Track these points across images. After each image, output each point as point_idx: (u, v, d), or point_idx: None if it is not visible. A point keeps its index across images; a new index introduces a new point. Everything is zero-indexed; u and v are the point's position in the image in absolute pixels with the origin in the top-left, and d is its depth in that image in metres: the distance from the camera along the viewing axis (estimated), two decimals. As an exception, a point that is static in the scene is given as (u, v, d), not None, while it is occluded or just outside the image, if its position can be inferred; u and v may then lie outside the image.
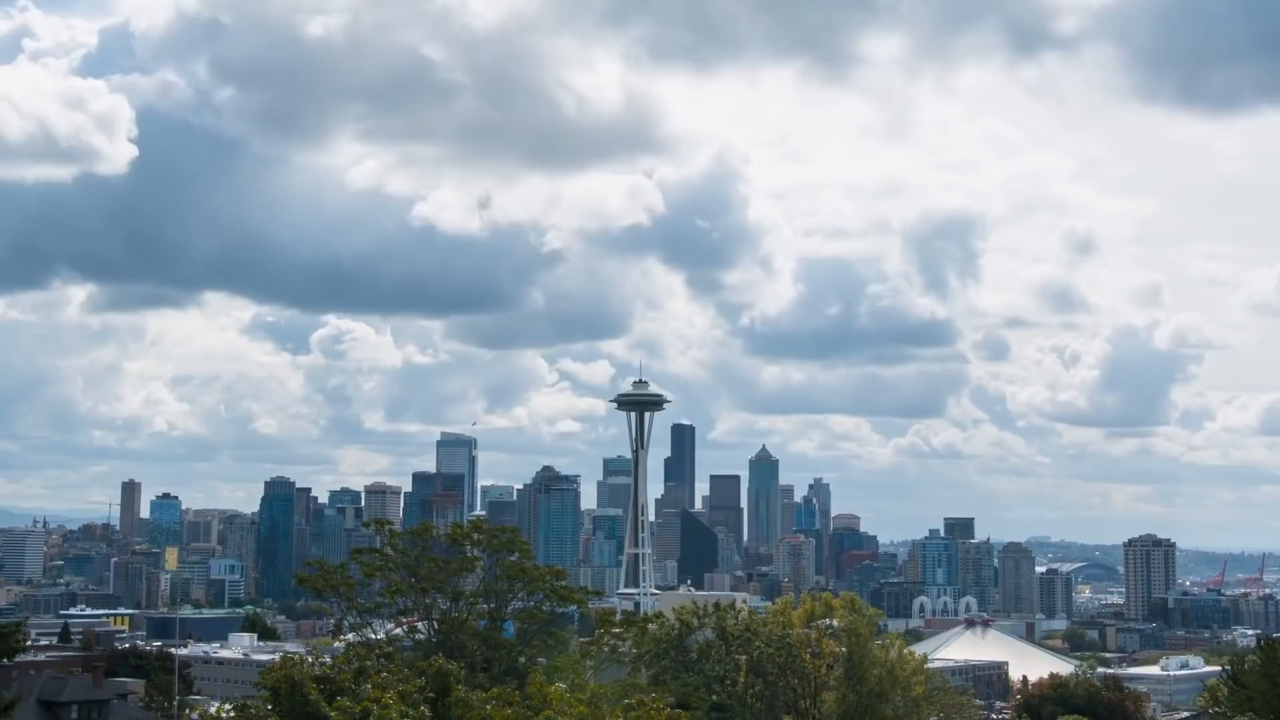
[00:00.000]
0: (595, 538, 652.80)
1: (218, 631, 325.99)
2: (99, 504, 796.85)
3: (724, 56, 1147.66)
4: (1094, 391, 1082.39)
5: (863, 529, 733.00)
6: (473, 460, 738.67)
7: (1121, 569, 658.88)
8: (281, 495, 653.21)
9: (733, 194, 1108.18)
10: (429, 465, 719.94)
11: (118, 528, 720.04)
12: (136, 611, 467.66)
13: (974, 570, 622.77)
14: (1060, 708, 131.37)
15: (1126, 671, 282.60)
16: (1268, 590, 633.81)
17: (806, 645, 74.58)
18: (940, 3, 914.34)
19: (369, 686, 34.12)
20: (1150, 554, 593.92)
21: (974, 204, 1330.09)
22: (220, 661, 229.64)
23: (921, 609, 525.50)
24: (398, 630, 70.29)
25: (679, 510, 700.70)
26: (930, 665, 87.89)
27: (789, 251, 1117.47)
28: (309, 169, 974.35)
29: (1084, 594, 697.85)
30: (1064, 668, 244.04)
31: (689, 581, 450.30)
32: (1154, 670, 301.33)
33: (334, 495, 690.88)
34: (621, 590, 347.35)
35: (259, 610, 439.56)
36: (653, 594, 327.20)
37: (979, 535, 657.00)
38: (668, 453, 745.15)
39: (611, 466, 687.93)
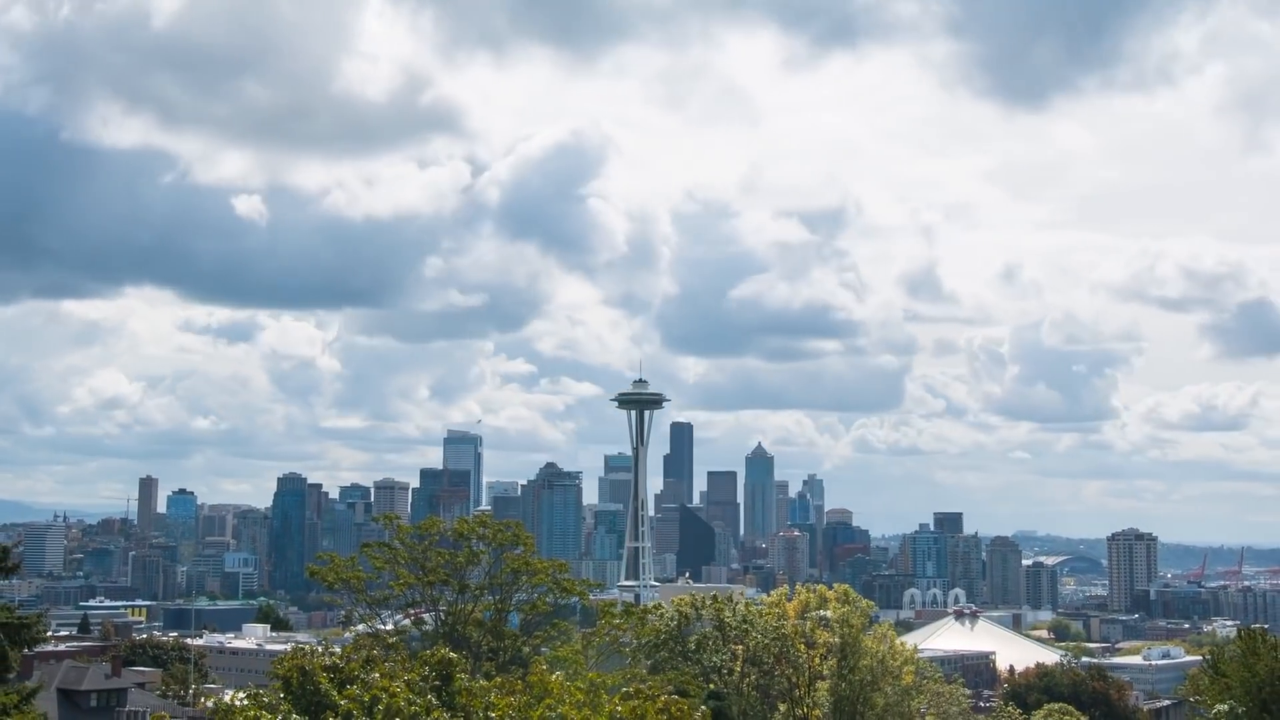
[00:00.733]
0: (596, 532, 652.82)
1: (232, 622, 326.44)
2: (114, 499, 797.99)
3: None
4: (1026, 387, 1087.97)
5: (855, 524, 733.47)
6: (478, 457, 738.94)
7: (1105, 562, 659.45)
8: (293, 491, 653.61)
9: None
10: (432, 461, 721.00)
11: (135, 522, 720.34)
12: (153, 603, 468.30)
13: (962, 563, 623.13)
14: (1046, 696, 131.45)
15: (1110, 661, 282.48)
16: (1246, 583, 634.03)
17: (801, 636, 74.55)
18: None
19: (377, 675, 34.10)
20: (1133, 547, 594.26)
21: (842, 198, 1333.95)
22: (234, 651, 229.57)
23: (912, 600, 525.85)
24: (406, 621, 70.28)
25: (678, 505, 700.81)
26: (920, 655, 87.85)
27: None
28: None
29: (1069, 586, 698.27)
30: (1049, 657, 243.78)
31: (687, 574, 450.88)
32: (1136, 660, 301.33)
33: (344, 491, 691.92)
34: (622, 583, 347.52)
35: (272, 602, 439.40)
36: (652, 586, 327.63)
37: (967, 529, 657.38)
38: (667, 450, 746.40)
39: (612, 463, 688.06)
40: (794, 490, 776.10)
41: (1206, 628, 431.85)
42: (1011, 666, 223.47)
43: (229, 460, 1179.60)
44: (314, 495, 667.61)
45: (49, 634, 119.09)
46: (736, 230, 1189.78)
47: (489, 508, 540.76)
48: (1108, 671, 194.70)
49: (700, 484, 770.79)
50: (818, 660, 74.01)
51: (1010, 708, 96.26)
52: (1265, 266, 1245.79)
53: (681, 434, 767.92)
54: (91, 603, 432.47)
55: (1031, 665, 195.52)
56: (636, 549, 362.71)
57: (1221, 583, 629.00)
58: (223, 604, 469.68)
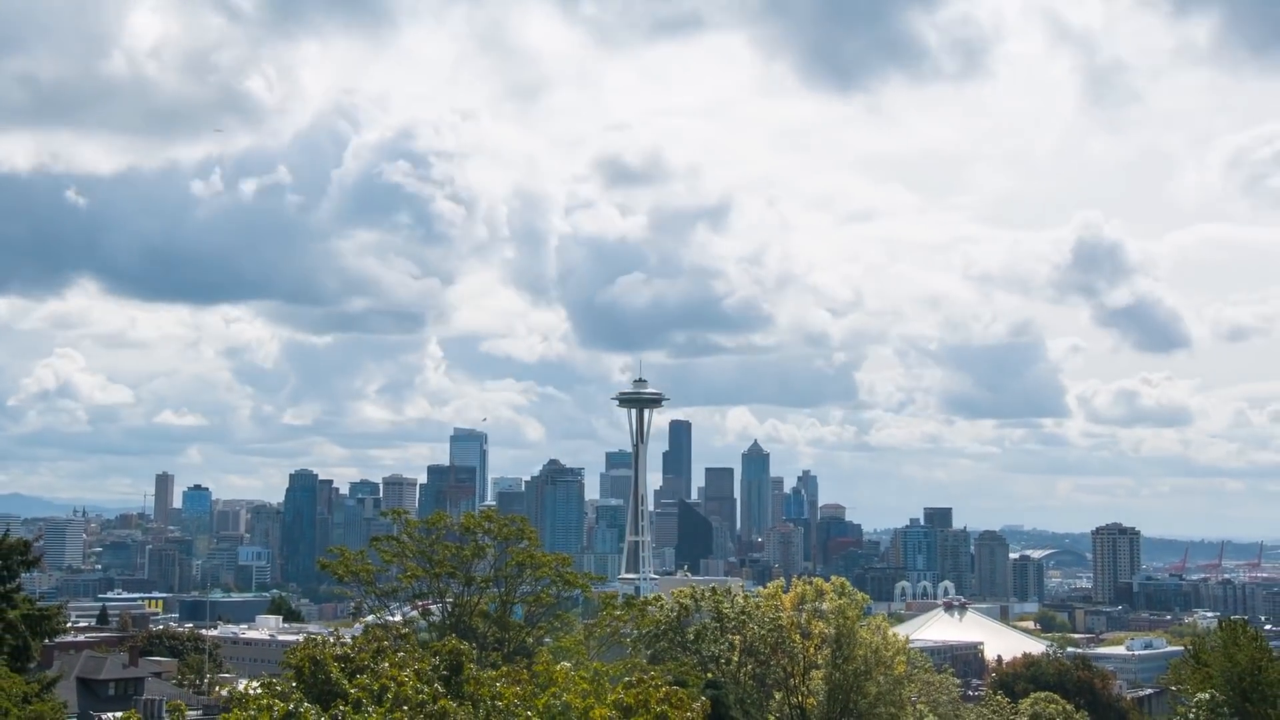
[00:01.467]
0: (598, 526, 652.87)
1: (245, 614, 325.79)
2: (131, 495, 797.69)
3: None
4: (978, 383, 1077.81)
5: (848, 519, 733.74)
6: (484, 454, 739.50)
7: (1089, 555, 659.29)
8: (305, 486, 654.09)
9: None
10: (440, 458, 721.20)
11: (152, 517, 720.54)
12: (169, 595, 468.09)
13: (952, 556, 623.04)
14: (1032, 685, 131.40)
15: (1094, 651, 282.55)
16: (1226, 576, 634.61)
17: (796, 627, 74.49)
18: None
19: (387, 665, 34.05)
20: (1116, 542, 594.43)
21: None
22: (248, 642, 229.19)
23: (903, 593, 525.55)
24: (414, 613, 70.24)
25: (676, 501, 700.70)
26: (911, 646, 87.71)
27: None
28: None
29: (1054, 578, 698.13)
30: (1036, 647, 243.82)
31: (686, 567, 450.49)
32: (1120, 650, 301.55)
33: (354, 486, 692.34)
34: (623, 576, 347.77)
35: (284, 594, 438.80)
36: (652, 579, 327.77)
37: (956, 524, 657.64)
38: (666, 447, 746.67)
39: (613, 460, 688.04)
40: (789, 486, 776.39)
41: (1187, 619, 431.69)
42: (999, 656, 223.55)
43: (228, 457, 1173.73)
44: (325, 491, 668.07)
45: (68, 625, 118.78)
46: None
47: (494, 503, 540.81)
48: (1092, 661, 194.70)
49: (698, 480, 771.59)
50: (812, 650, 73.96)
51: (998, 696, 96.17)
52: (1139, 254, 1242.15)
53: (680, 431, 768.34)
54: (110, 595, 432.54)
55: (1018, 655, 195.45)
56: (637, 543, 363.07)
57: (1202, 576, 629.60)
58: (237, 596, 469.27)
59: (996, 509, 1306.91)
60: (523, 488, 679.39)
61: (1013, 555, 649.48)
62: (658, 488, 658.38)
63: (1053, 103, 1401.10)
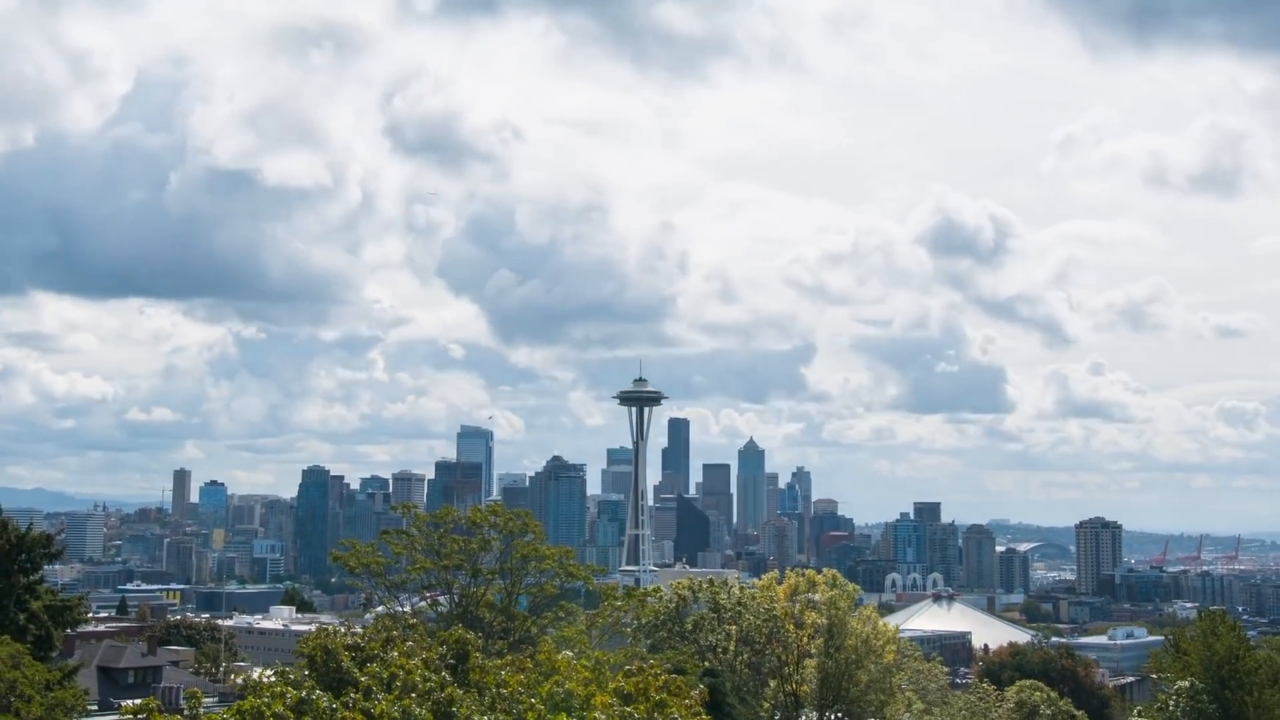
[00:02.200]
0: (600, 520, 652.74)
1: (260, 605, 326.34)
2: (149, 490, 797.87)
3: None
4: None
5: (840, 513, 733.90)
6: (489, 450, 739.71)
7: (1073, 548, 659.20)
8: (317, 482, 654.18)
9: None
10: (447, 454, 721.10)
11: (170, 511, 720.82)
12: (187, 587, 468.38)
13: (940, 549, 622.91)
14: (1018, 673, 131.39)
15: (1077, 641, 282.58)
16: (1205, 568, 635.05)
17: (790, 617, 74.46)
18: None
19: (396, 654, 34.06)
20: (1099, 535, 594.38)
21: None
22: (262, 632, 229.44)
23: (893, 584, 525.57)
24: (422, 603, 70.22)
25: (675, 495, 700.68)
26: (901, 635, 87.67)
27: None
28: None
29: (1039, 571, 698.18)
30: (1021, 637, 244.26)
31: (684, 560, 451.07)
32: (1102, 640, 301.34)
33: (365, 482, 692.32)
34: (623, 568, 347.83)
35: (297, 586, 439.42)
36: (651, 571, 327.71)
37: (945, 518, 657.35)
38: (665, 443, 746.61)
39: (614, 456, 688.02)
40: (783, 482, 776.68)
41: (1168, 610, 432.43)
42: (986, 646, 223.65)
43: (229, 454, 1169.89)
44: (336, 486, 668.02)
45: (89, 615, 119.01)
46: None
47: (499, 498, 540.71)
48: (1076, 650, 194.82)
49: (696, 476, 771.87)
50: (806, 640, 73.91)
51: (985, 684, 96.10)
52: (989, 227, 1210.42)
53: (679, 429, 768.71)
54: (129, 586, 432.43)
55: (1005, 645, 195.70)
56: (637, 536, 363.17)
57: (1181, 568, 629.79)
58: (251, 588, 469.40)
59: (952, 504, 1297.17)
60: (527, 483, 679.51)
61: (999, 548, 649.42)
62: (657, 483, 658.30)
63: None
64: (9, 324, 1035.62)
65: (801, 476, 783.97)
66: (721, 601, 74.78)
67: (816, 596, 75.13)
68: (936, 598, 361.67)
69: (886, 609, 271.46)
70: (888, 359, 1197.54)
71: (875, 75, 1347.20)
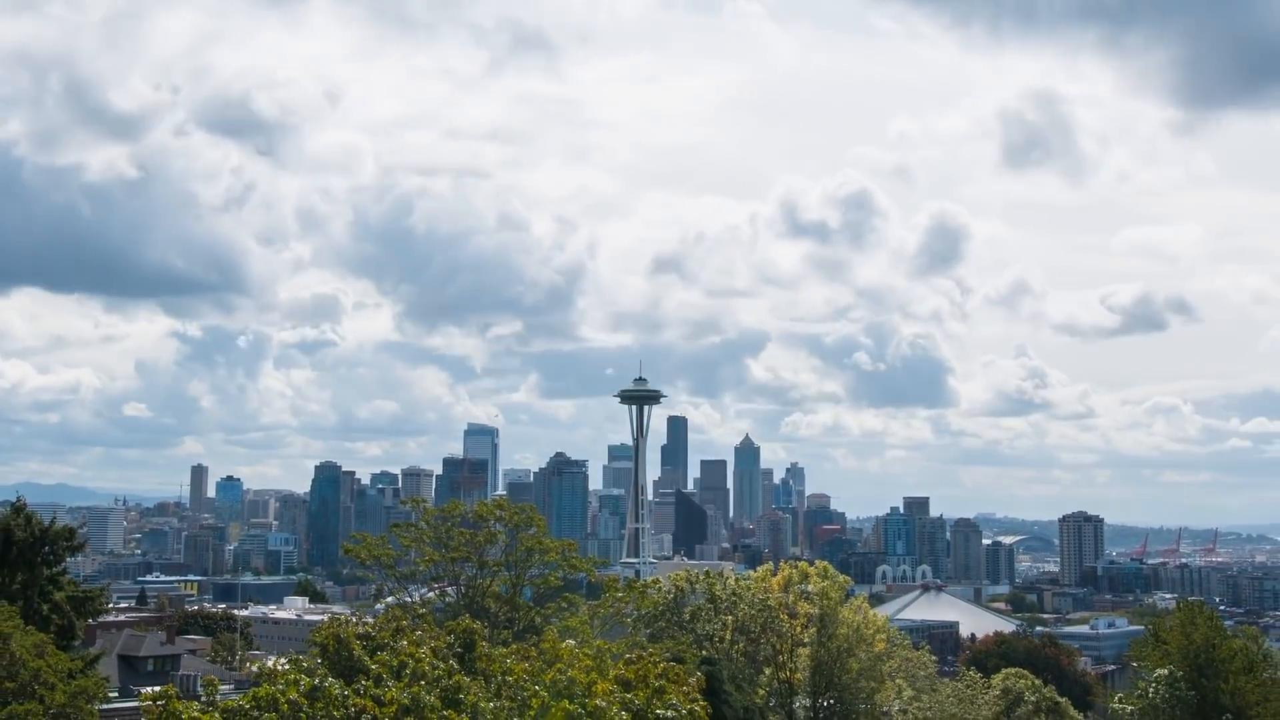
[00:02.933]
0: (601, 514, 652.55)
1: (274, 595, 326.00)
2: (167, 485, 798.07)
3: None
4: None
5: (833, 507, 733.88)
6: (495, 447, 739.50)
7: (1057, 541, 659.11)
8: (329, 477, 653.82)
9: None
10: (454, 451, 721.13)
11: (188, 506, 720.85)
12: (204, 578, 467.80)
13: (929, 542, 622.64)
14: (1003, 661, 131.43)
15: (1061, 630, 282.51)
16: (1183, 560, 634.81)
17: (784, 608, 74.47)
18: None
19: (405, 643, 34.10)
20: (1081, 528, 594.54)
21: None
22: (276, 621, 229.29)
23: (884, 576, 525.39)
24: (430, 594, 70.24)
25: (674, 490, 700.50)
26: (891, 625, 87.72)
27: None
28: None
29: (1024, 563, 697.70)
30: (1007, 627, 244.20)
31: (682, 552, 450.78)
32: (1084, 629, 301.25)
33: (375, 477, 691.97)
34: (624, 560, 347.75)
35: (310, 577, 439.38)
36: (651, 563, 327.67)
37: (933, 512, 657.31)
38: (664, 440, 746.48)
39: (615, 453, 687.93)
40: (778, 477, 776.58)
41: (1147, 600, 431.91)
42: (973, 635, 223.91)
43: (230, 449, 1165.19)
44: (348, 481, 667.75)
45: (110, 606, 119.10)
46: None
47: (505, 493, 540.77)
48: (1059, 639, 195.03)
49: (694, 471, 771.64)
50: (799, 629, 73.93)
51: (972, 672, 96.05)
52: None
53: (677, 426, 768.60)
54: (148, 578, 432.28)
55: (991, 634, 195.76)
56: (637, 530, 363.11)
57: (1161, 560, 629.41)
58: (266, 579, 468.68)
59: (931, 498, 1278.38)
60: (531, 479, 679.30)
61: (985, 541, 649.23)
62: (656, 478, 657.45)
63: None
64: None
65: (795, 472, 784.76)
66: (718, 593, 74.80)
67: (809, 588, 75.16)
68: (925, 589, 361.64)
69: (877, 600, 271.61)
70: (827, 353, 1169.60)
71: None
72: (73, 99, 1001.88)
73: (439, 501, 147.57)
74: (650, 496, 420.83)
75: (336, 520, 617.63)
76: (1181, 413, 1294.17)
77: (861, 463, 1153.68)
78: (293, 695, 29.53)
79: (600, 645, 41.38)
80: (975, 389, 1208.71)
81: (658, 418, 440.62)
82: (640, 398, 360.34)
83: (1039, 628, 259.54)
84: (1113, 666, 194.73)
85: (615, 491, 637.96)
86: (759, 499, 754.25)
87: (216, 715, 29.88)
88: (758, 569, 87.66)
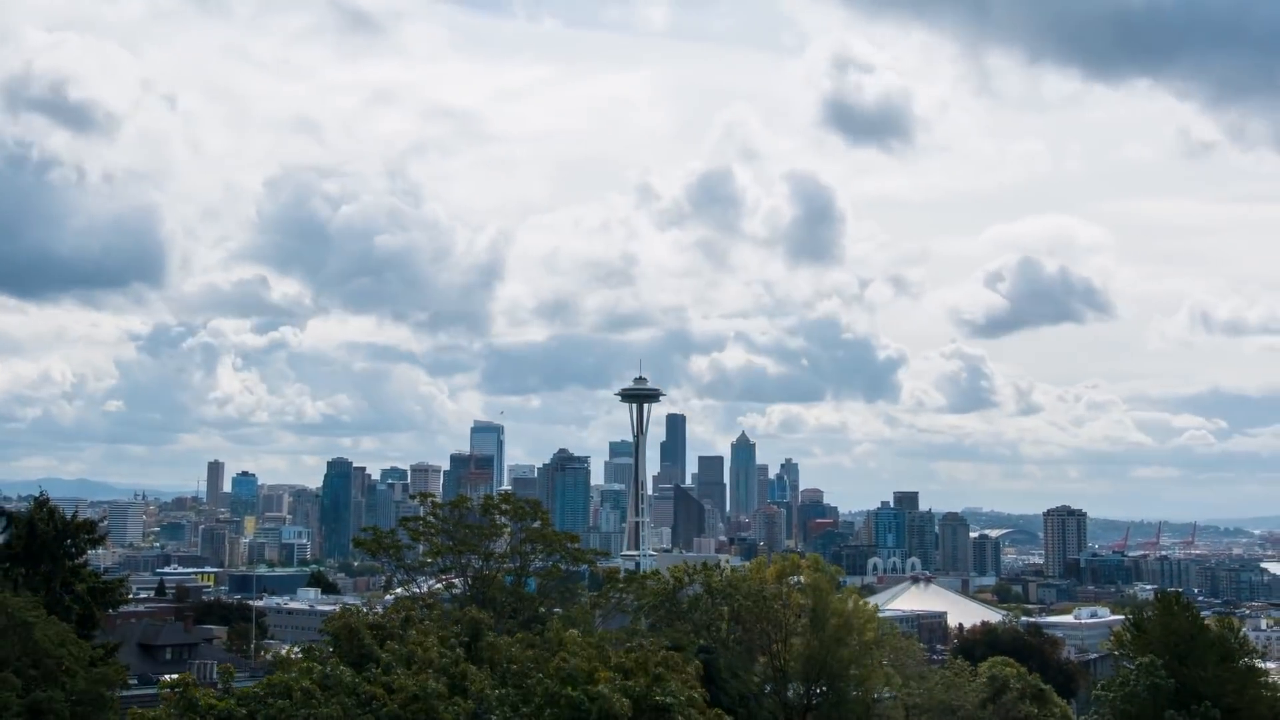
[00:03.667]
0: (603, 508, 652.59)
1: (288, 587, 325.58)
2: (185, 481, 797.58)
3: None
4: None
5: (825, 501, 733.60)
6: (500, 444, 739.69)
7: (1041, 534, 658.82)
8: (341, 473, 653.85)
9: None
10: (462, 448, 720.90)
11: (204, 500, 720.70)
12: (220, 570, 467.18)
13: (918, 535, 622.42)
14: (990, 650, 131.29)
15: (1045, 620, 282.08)
16: (1163, 553, 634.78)
17: (778, 598, 74.42)
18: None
19: (414, 632, 34.15)
20: (1065, 522, 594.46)
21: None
22: (290, 611, 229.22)
23: (874, 568, 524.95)
24: (438, 585, 70.24)
25: (672, 485, 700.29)
26: (881, 615, 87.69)
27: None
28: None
29: (1010, 555, 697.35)
30: (993, 617, 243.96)
31: (681, 545, 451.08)
32: (1068, 619, 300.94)
33: (385, 473, 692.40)
34: (625, 552, 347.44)
35: (322, 569, 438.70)
36: (651, 555, 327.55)
37: (922, 507, 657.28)
38: (664, 437, 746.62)
39: (616, 449, 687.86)
40: (773, 473, 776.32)
41: (1129, 591, 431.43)
42: (961, 625, 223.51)
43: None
44: (359, 477, 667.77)
45: (130, 596, 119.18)
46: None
47: (510, 487, 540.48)
48: (1043, 629, 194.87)
49: (692, 467, 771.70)
50: (792, 619, 73.91)
51: (959, 660, 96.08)
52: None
53: (676, 423, 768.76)
54: (166, 569, 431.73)
55: (978, 624, 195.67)
56: (637, 523, 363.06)
57: (1142, 553, 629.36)
58: (280, 571, 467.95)
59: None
60: (535, 474, 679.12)
61: (973, 534, 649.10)
62: (656, 474, 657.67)
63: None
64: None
65: (790, 468, 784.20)
66: (715, 583, 74.81)
67: (801, 579, 75.15)
68: (914, 580, 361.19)
69: (868, 590, 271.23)
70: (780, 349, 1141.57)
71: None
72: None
73: (447, 496, 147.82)
74: (650, 491, 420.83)
75: (348, 514, 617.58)
76: (1120, 408, 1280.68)
77: (834, 459, 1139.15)
78: (306, 683, 29.56)
79: (602, 634, 41.43)
80: (923, 384, 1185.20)
81: (656, 419, 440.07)
82: (640, 396, 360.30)
83: (1024, 618, 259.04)
84: (1095, 655, 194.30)
85: (616, 486, 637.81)
86: (754, 494, 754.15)
87: (232, 702, 29.90)
88: (753, 561, 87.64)
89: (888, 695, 76.76)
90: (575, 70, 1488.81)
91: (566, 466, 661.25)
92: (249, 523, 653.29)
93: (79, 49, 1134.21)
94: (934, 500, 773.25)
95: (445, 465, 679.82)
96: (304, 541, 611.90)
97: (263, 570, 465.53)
